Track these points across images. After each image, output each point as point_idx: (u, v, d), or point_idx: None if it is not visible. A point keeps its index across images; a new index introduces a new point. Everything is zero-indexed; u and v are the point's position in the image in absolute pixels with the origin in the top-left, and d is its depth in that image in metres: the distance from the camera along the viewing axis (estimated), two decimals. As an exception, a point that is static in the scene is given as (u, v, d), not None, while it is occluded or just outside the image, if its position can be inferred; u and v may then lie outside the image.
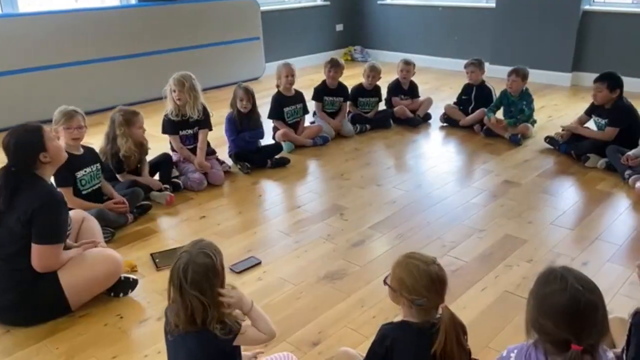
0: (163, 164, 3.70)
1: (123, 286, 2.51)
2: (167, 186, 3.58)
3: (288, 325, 2.30)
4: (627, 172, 3.59)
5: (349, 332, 2.25)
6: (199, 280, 1.57)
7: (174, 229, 3.22)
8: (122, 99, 4.55)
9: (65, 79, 5.36)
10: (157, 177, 3.68)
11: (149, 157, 3.69)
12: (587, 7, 5.98)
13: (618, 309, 2.24)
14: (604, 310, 1.36)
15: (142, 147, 3.51)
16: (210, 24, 6.42)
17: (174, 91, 3.66)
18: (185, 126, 3.79)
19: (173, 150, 3.88)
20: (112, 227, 3.07)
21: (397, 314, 1.64)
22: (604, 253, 2.79)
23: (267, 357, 1.93)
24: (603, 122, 3.95)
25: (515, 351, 1.47)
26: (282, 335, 2.23)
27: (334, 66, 4.67)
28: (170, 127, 3.79)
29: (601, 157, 3.85)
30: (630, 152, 3.64)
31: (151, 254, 2.88)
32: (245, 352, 1.89)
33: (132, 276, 2.57)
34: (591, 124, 4.16)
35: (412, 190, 3.66)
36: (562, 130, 4.19)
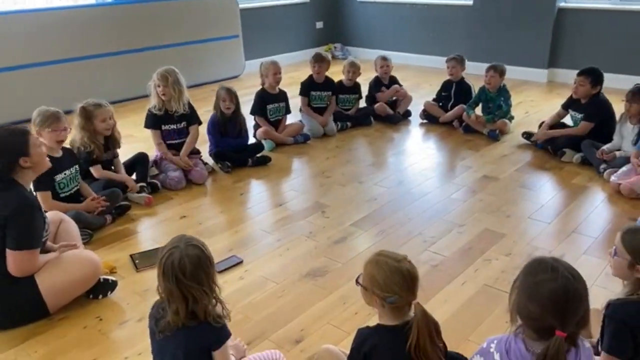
0: (139, 163, 3.66)
1: (102, 288, 2.48)
2: (144, 185, 3.53)
3: (270, 323, 2.30)
4: (602, 166, 3.66)
5: (331, 329, 2.26)
6: (196, 272, 1.59)
7: (153, 230, 3.20)
8: (100, 98, 4.49)
9: (41, 79, 5.27)
10: (133, 177, 3.62)
11: (126, 157, 3.65)
12: (562, 4, 6.08)
13: (594, 301, 2.26)
14: (588, 302, 1.40)
15: (109, 141, 3.43)
16: (189, 22, 6.36)
17: (159, 86, 3.64)
18: (170, 121, 3.76)
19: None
20: (91, 229, 3.03)
21: (377, 311, 1.65)
22: (580, 246, 2.84)
23: (254, 355, 1.94)
24: (579, 116, 4.02)
25: (495, 342, 1.50)
26: (264, 334, 2.23)
27: (318, 61, 4.69)
28: (152, 120, 3.75)
29: (577, 151, 3.92)
30: (605, 147, 3.72)
31: (131, 255, 2.85)
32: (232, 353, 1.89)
33: (111, 278, 2.55)
34: (567, 119, 4.23)
35: (393, 187, 3.69)
36: (538, 131, 4.25)
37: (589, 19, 5.95)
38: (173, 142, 3.81)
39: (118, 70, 5.78)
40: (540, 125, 4.28)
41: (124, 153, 3.71)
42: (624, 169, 3.48)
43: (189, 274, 1.58)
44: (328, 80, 4.82)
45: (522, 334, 1.44)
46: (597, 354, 1.73)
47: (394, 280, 1.55)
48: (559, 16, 6.09)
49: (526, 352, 1.41)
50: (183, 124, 3.81)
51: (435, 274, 2.64)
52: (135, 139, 4.26)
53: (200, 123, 3.93)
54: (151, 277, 2.63)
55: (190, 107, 3.84)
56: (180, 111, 3.73)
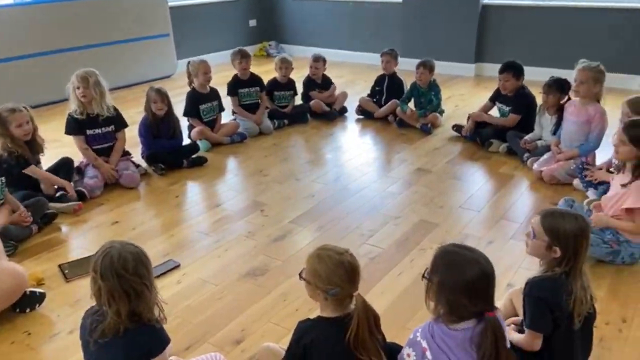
0: (63, 169, 3.48)
1: (29, 301, 2.35)
2: (63, 191, 3.34)
3: (210, 326, 2.27)
4: (526, 155, 3.87)
5: (272, 327, 2.26)
6: (137, 266, 1.56)
7: (83, 237, 3.06)
8: (20, 102, 4.24)
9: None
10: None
11: (50, 163, 3.49)
12: (486, 1, 6.36)
13: (520, 282, 2.40)
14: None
15: (30, 147, 3.25)
16: (116, 21, 6.13)
17: (78, 88, 3.48)
18: (94, 125, 3.61)
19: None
20: (16, 241, 2.87)
21: (319, 304, 1.67)
22: (507, 231, 3.00)
23: (194, 359, 1.90)
24: (507, 109, 4.22)
25: (420, 330, 1.58)
26: (204, 337, 2.20)
27: (244, 57, 4.64)
28: (74, 126, 3.58)
29: (502, 142, 4.12)
30: (527, 137, 3.94)
31: (59, 265, 2.72)
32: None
33: (38, 290, 2.43)
34: (494, 111, 4.43)
35: (331, 183, 3.73)
36: (469, 119, 4.43)
37: (511, 14, 6.26)
38: (99, 147, 3.66)
39: (42, 72, 5.47)
40: (468, 118, 4.45)
41: (50, 159, 3.53)
42: (545, 157, 3.70)
43: (131, 268, 1.55)
44: (254, 76, 4.78)
45: (442, 320, 1.53)
46: (522, 331, 1.83)
47: (336, 272, 1.58)
48: (484, 12, 6.37)
49: (449, 331, 1.51)
50: (111, 127, 3.67)
51: (373, 266, 2.70)
52: (62, 144, 4.06)
53: (126, 126, 3.80)
54: (82, 287, 2.53)
55: (116, 110, 3.70)
56: (104, 114, 3.58)
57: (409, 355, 1.58)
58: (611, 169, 3.02)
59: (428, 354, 1.53)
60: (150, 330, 1.60)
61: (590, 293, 1.78)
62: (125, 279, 1.53)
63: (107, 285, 1.54)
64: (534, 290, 1.77)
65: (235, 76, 4.72)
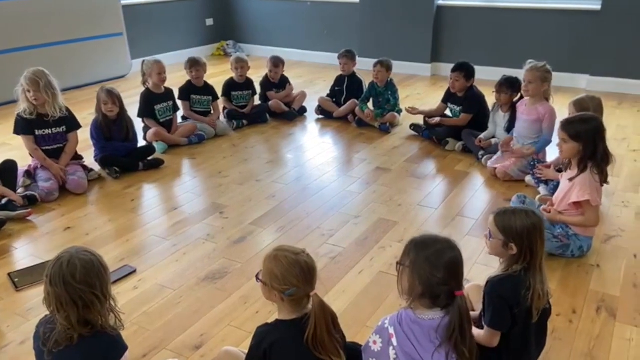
0: (6, 172, 3.31)
1: (-26, 313, 2.24)
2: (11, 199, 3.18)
3: (168, 332, 2.22)
4: (481, 152, 3.97)
5: (232, 330, 2.23)
6: (87, 275, 1.51)
7: (34, 244, 2.94)
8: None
9: None
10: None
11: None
12: (440, 2, 6.49)
13: (477, 277, 2.49)
14: None
15: None
16: (65, 20, 5.92)
17: (29, 91, 3.33)
18: (44, 125, 3.47)
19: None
20: (-41, 250, 2.73)
21: (277, 306, 1.66)
22: (463, 227, 3.06)
23: None
24: (458, 109, 4.32)
25: (388, 318, 1.62)
26: (161, 343, 2.15)
27: (194, 65, 4.56)
28: (23, 126, 3.44)
29: (458, 140, 4.22)
30: (482, 135, 4.04)
31: (9, 274, 2.60)
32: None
33: (-15, 301, 2.31)
34: (447, 112, 4.52)
35: (291, 183, 3.72)
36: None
37: (465, 15, 6.41)
38: (48, 148, 3.52)
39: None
40: (425, 121, 4.53)
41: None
42: (498, 154, 3.80)
43: (79, 276, 1.49)
44: (207, 85, 4.70)
45: (412, 307, 1.58)
46: (480, 327, 1.88)
47: (292, 272, 1.58)
48: (439, 13, 6.50)
49: (417, 319, 1.56)
50: (62, 128, 3.54)
51: (333, 265, 2.71)
52: (11, 147, 3.90)
53: (79, 127, 3.68)
54: (34, 296, 2.44)
55: (68, 110, 3.57)
56: (57, 115, 3.46)
57: (375, 342, 1.62)
58: (559, 167, 3.13)
59: (394, 340, 1.57)
60: (106, 338, 1.55)
61: (547, 288, 1.85)
62: (72, 287, 1.49)
63: (55, 292, 1.49)
64: (494, 289, 1.83)
65: (189, 82, 4.64)
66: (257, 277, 1.67)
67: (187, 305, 2.41)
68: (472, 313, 2.10)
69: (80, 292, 1.49)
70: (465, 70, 4.20)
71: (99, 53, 6.28)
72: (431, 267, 1.54)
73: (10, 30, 5.47)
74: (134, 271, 2.65)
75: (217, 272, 2.65)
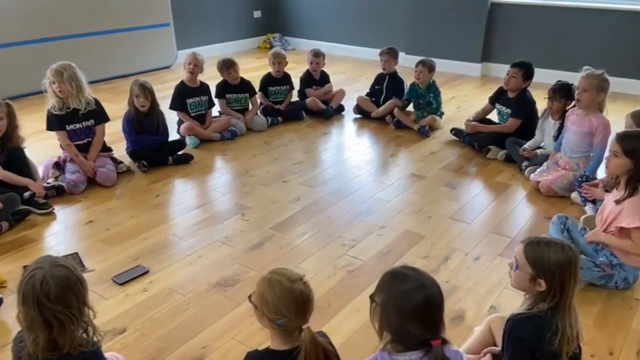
0: (15, 161, 3.19)
1: (-16, 307, 2.25)
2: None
3: (169, 341, 2.15)
4: (524, 163, 3.69)
5: (235, 345, 2.14)
6: (63, 294, 1.43)
7: (55, 237, 2.96)
8: (11, 92, 4.18)
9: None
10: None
11: (36, 158, 3.39)
12: (495, -2, 6.14)
13: (504, 304, 2.29)
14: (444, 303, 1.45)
15: (3, 141, 3.12)
16: (114, 9, 6.00)
17: (54, 83, 3.35)
18: (74, 120, 3.49)
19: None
20: (-17, 238, 2.78)
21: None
22: (496, 247, 2.83)
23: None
24: (506, 111, 4.04)
25: None
26: (161, 354, 2.08)
27: (231, 66, 4.48)
28: (55, 122, 3.46)
29: (501, 148, 3.94)
30: (527, 144, 3.76)
31: (24, 267, 2.59)
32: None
33: (-4, 294, 2.32)
34: (494, 113, 4.25)
35: (319, 187, 3.58)
36: (467, 122, 4.25)
37: (520, 13, 6.02)
38: (79, 142, 3.54)
39: (34, 60, 5.36)
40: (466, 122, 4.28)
41: (38, 152, 3.44)
42: (543, 167, 3.52)
43: (54, 296, 1.41)
44: (244, 81, 4.61)
45: (389, 348, 1.43)
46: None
47: (284, 301, 1.46)
48: (492, 10, 6.14)
49: None
50: (90, 122, 3.55)
51: (350, 280, 2.57)
52: (48, 135, 3.95)
53: (107, 120, 3.67)
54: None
55: (97, 103, 3.58)
56: (83, 109, 3.47)
57: None
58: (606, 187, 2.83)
59: None
60: (82, 358, 1.47)
61: (578, 330, 1.64)
62: (46, 308, 1.41)
63: (27, 312, 1.42)
64: (515, 329, 1.64)
65: (225, 80, 4.57)
66: (249, 298, 1.56)
67: (193, 312, 2.33)
68: (492, 349, 1.93)
69: (55, 312, 1.41)
70: (525, 69, 3.91)
71: (146, 43, 6.35)
72: (399, 315, 1.38)
73: (61, 19, 5.59)
74: (147, 272, 2.61)
75: (229, 279, 2.57)
